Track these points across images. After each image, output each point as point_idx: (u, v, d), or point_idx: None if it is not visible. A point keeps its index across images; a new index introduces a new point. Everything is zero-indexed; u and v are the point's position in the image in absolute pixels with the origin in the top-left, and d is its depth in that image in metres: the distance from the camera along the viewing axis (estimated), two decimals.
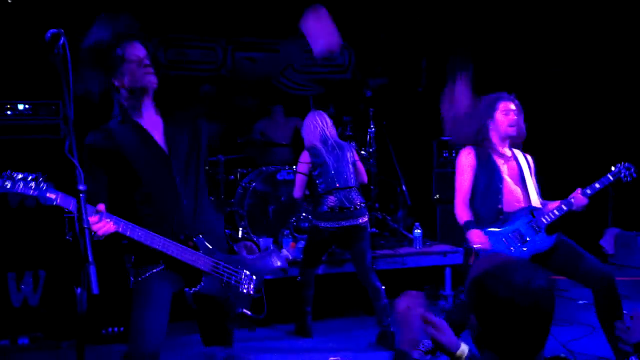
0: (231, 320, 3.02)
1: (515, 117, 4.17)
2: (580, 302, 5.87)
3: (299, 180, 5.02)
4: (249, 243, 5.60)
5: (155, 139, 2.91)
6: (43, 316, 4.91)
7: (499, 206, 4.14)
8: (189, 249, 2.86)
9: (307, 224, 5.93)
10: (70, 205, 2.55)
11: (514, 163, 4.20)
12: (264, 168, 6.12)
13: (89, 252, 2.23)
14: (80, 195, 2.37)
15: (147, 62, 2.87)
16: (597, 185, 4.11)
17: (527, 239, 4.11)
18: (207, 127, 3.14)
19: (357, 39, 7.84)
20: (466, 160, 4.18)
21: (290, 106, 7.13)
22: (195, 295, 2.89)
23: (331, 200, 4.88)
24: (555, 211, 4.10)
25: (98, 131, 2.90)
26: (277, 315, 5.55)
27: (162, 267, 2.85)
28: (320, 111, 5.23)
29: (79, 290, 2.20)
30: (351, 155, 5.09)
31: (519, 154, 4.27)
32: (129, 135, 2.87)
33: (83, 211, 2.29)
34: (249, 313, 3.05)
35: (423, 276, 6.18)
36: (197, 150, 3.03)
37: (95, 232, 2.59)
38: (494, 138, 4.18)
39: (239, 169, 6.31)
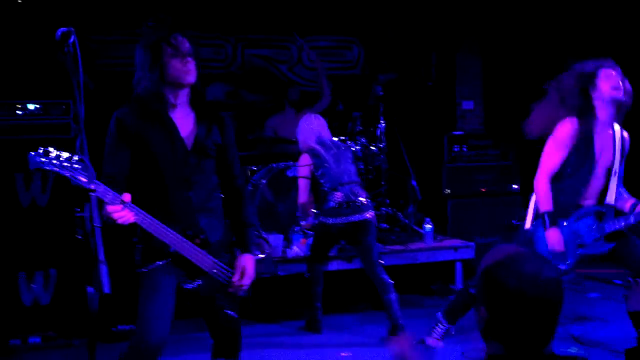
0: (217, 319, 3.05)
1: (616, 80, 3.86)
2: (592, 295, 5.85)
3: (303, 184, 5.04)
4: (258, 240, 5.62)
5: (180, 134, 2.91)
6: (54, 315, 4.93)
7: (579, 202, 3.96)
8: (196, 247, 2.88)
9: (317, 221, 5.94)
10: (99, 190, 2.54)
11: (610, 148, 3.93)
12: (274, 165, 6.11)
13: (100, 252, 2.25)
14: (91, 194, 2.40)
15: (189, 58, 2.86)
16: None
17: (585, 243, 3.96)
18: (232, 123, 3.13)
19: (366, 34, 7.83)
20: (567, 133, 3.88)
21: (302, 103, 7.11)
22: (191, 292, 2.93)
23: (338, 196, 4.89)
24: (622, 222, 3.88)
25: (130, 105, 2.90)
26: (287, 312, 5.57)
27: (169, 259, 2.86)
28: (316, 114, 5.29)
29: (90, 289, 2.21)
30: (350, 153, 5.18)
31: (618, 131, 3.97)
32: (157, 124, 2.87)
33: (94, 210, 2.31)
34: (235, 315, 3.07)
35: (434, 271, 6.17)
36: (224, 150, 3.04)
37: (114, 220, 2.60)
38: (599, 109, 3.89)
39: (249, 166, 6.31)
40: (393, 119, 6.67)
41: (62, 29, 2.48)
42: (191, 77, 2.87)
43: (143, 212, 2.69)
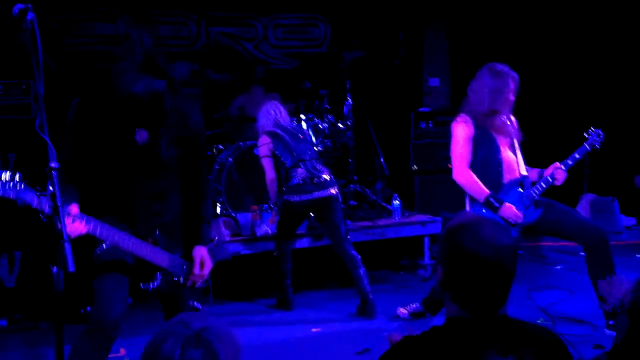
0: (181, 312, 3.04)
1: (514, 93, 4.17)
2: (558, 267, 5.96)
3: (266, 163, 5.10)
4: (227, 219, 5.62)
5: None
6: (20, 297, 4.87)
7: (501, 180, 4.18)
8: (150, 244, 2.88)
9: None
10: (46, 207, 2.51)
11: (509, 127, 4.24)
12: (241, 143, 6.07)
13: (64, 230, 2.22)
14: (53, 172, 2.35)
15: None
16: (577, 156, 4.16)
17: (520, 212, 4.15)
18: (198, 116, 3.09)
19: (333, 12, 7.78)
20: (462, 124, 4.19)
21: (268, 81, 7.07)
22: (154, 292, 2.94)
23: (300, 172, 4.93)
24: (542, 184, 4.16)
25: (87, 95, 2.86)
26: (258, 290, 5.58)
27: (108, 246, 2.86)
28: (275, 101, 5.35)
29: (55, 269, 2.19)
30: (309, 135, 5.32)
31: (507, 116, 4.29)
32: (111, 115, 2.82)
33: (57, 189, 2.27)
34: (199, 306, 3.08)
35: (402, 246, 6.23)
36: (184, 142, 2.98)
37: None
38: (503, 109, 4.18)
39: (216, 145, 6.27)
40: (360, 97, 6.67)
41: (19, 5, 2.41)
42: None
43: (93, 219, 2.68)
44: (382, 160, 6.69)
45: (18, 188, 2.46)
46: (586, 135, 4.24)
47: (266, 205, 5.69)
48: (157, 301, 3.13)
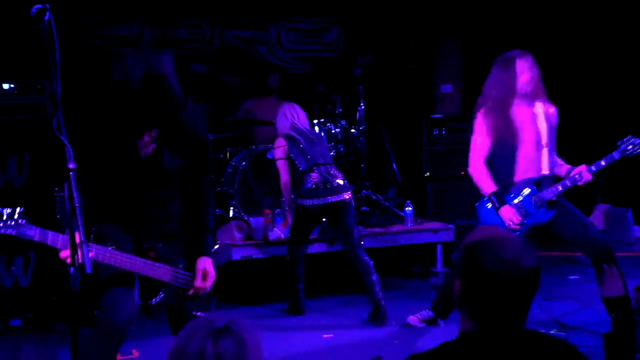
0: (185, 322, 3.02)
1: (529, 73, 4.10)
2: (571, 277, 5.90)
3: (281, 165, 5.08)
4: (240, 222, 5.60)
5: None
6: (34, 298, 4.88)
7: (512, 178, 4.15)
8: (152, 262, 2.86)
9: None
10: (48, 239, 2.55)
11: (532, 123, 4.15)
12: (253, 147, 6.07)
13: (81, 231, 2.21)
14: (70, 173, 2.34)
15: None
16: (603, 163, 4.07)
17: (529, 212, 4.13)
18: (202, 126, 3.09)
19: (346, 16, 7.77)
20: (482, 117, 4.17)
21: (282, 86, 7.05)
22: (157, 306, 2.94)
23: (314, 176, 4.91)
24: (559, 187, 4.10)
25: (90, 101, 2.88)
26: (270, 294, 5.56)
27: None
28: (293, 103, 5.30)
29: (72, 270, 2.18)
30: (325, 141, 5.27)
31: (541, 107, 4.21)
32: (113, 124, 2.83)
33: (74, 190, 2.26)
34: (202, 314, 3.04)
35: (414, 253, 6.19)
36: (187, 152, 2.98)
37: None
38: (525, 89, 4.11)
39: (229, 148, 6.26)
40: (373, 102, 6.65)
41: (37, 5, 2.41)
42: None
43: (95, 246, 2.68)
44: (394, 166, 6.67)
45: (19, 224, 2.45)
46: (619, 143, 4.09)
47: (279, 210, 5.68)
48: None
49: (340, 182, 4.95)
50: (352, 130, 6.25)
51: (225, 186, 5.94)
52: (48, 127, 2.52)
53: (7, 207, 2.45)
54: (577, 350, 1.80)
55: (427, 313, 4.70)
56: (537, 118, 4.19)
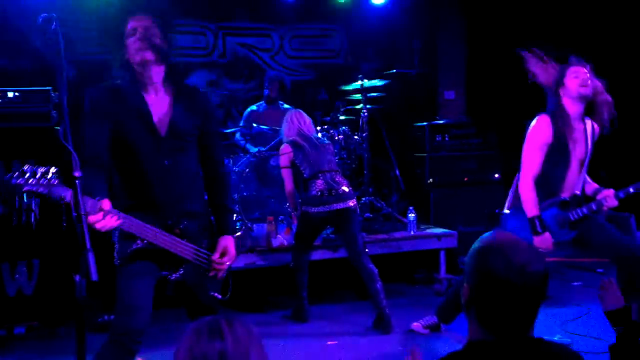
0: (201, 304, 3.07)
1: (587, 77, 3.99)
2: (575, 284, 5.90)
3: (286, 174, 5.09)
4: (243, 229, 5.61)
5: (152, 119, 2.88)
6: (38, 305, 4.89)
7: (561, 196, 4.09)
8: (176, 237, 2.88)
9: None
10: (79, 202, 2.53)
11: (583, 142, 4.07)
12: (257, 153, 6.08)
13: (87, 239, 2.22)
14: (76, 182, 2.36)
15: (139, 35, 2.82)
16: (631, 190, 4.01)
17: (552, 231, 4.08)
18: (215, 111, 3.14)
19: (349, 23, 7.80)
20: (541, 134, 4.02)
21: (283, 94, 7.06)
22: (176, 282, 2.94)
23: (319, 183, 4.90)
24: (585, 210, 4.06)
25: (103, 88, 2.89)
26: (273, 301, 5.56)
27: (145, 243, 2.84)
28: (299, 110, 5.30)
29: (77, 277, 2.18)
30: (330, 147, 5.20)
31: (589, 124, 4.12)
32: (130, 108, 2.86)
33: (80, 198, 2.27)
34: (219, 296, 3.12)
35: (418, 260, 6.19)
36: (204, 134, 3.03)
37: (98, 230, 2.60)
38: (569, 106, 4.01)
39: (232, 155, 6.27)
40: (375, 108, 6.66)
41: (43, 14, 2.42)
42: (141, 56, 2.82)
43: (122, 214, 2.68)
44: (397, 172, 6.67)
45: (51, 183, 2.44)
46: None
47: (282, 217, 5.68)
48: (172, 313, 3.13)
49: (346, 189, 4.94)
50: (355, 137, 6.26)
51: None
52: (53, 135, 2.54)
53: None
54: (582, 357, 1.80)
55: (430, 319, 4.70)
56: (586, 135, 4.11)
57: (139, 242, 2.83)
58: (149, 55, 2.82)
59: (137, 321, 2.80)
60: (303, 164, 4.98)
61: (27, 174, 2.41)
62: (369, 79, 6.41)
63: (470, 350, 1.77)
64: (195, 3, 7.00)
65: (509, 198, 4.29)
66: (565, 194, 4.12)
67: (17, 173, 2.40)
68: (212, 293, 3.08)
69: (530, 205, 4.04)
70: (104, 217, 2.58)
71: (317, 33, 7.81)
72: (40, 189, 2.43)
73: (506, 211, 4.29)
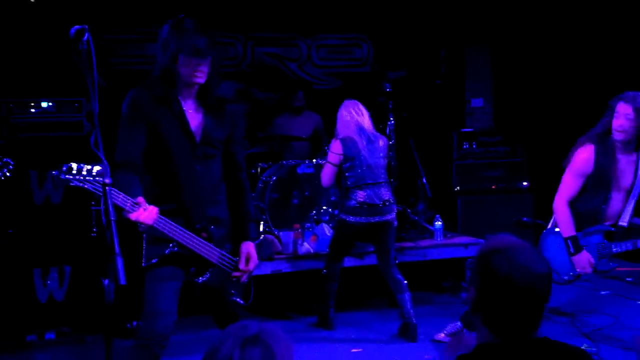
0: (226, 306, 3.15)
1: (623, 122, 3.96)
2: (603, 292, 5.83)
3: (329, 170, 4.90)
4: (270, 236, 5.67)
5: (190, 125, 3.00)
6: (68, 311, 4.99)
7: (607, 225, 4.08)
8: (204, 241, 2.97)
9: (327, 217, 5.95)
10: (119, 200, 2.63)
11: (631, 172, 4.05)
12: (284, 162, 6.14)
13: (116, 244, 2.28)
14: (107, 188, 2.42)
15: (202, 61, 2.94)
16: None
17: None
18: (241, 117, 3.24)
19: (375, 32, 7.84)
20: (584, 160, 4.05)
21: (311, 101, 7.13)
22: (203, 285, 3.02)
23: (360, 195, 4.80)
24: (629, 245, 4.03)
25: (145, 87, 2.97)
26: (299, 308, 5.59)
27: (174, 249, 2.92)
28: (356, 100, 5.04)
29: (106, 281, 2.24)
30: (384, 149, 4.98)
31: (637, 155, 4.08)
32: (169, 113, 2.96)
33: (109, 203, 2.34)
34: (241, 301, 3.19)
35: (444, 268, 6.17)
36: (230, 143, 3.14)
37: (142, 223, 2.69)
38: (617, 136, 4.00)
39: (260, 163, 6.34)
40: (403, 116, 6.68)
41: (76, 26, 2.49)
42: (201, 79, 2.97)
43: (160, 216, 2.77)
44: (424, 180, 6.67)
45: (96, 180, 2.51)
46: None
47: (309, 224, 5.72)
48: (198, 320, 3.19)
49: (387, 202, 4.84)
50: None
51: (256, 201, 6.01)
52: (85, 144, 2.62)
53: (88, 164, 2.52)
54: (589, 354, 1.82)
55: (454, 326, 4.67)
56: (637, 166, 4.09)
57: (170, 246, 2.90)
58: (202, 80, 2.97)
59: (162, 326, 2.87)
60: (350, 172, 4.82)
61: (74, 170, 2.49)
62: (396, 87, 6.43)
63: (479, 353, 1.79)
64: (224, 14, 7.10)
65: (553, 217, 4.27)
66: (609, 222, 4.10)
67: (65, 168, 2.49)
68: (234, 298, 3.15)
69: (564, 226, 4.09)
70: (145, 210, 2.68)
71: (344, 42, 7.86)
72: (87, 185, 2.50)
73: (549, 227, 4.30)
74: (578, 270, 4.03)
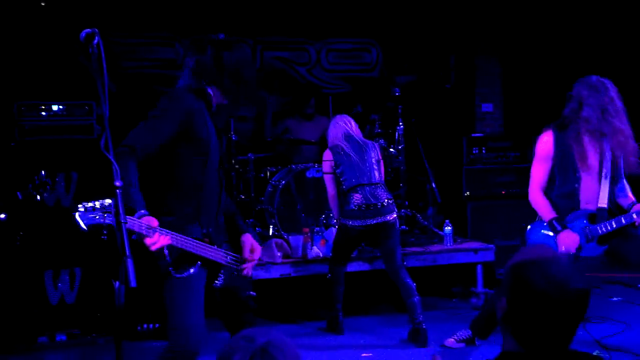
0: (242, 305, 3.17)
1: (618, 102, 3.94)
2: (614, 299, 5.80)
3: (328, 180, 5.06)
4: (279, 240, 5.67)
5: (217, 135, 3.11)
6: (79, 313, 5.01)
7: (588, 209, 4.03)
8: (209, 245, 2.98)
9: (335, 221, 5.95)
10: (135, 227, 2.64)
11: (595, 155, 4.00)
12: (293, 166, 6.14)
13: (126, 246, 2.28)
14: (117, 191, 2.43)
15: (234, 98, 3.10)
16: None
17: (580, 245, 4.00)
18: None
19: (385, 36, 7.84)
20: (544, 146, 4.06)
21: (320, 105, 7.14)
22: (221, 288, 3.04)
23: (357, 197, 4.85)
24: (613, 223, 3.97)
25: (193, 99, 3.02)
26: (308, 312, 5.59)
27: (200, 264, 2.94)
28: (345, 114, 5.27)
29: (117, 284, 2.24)
30: (375, 154, 5.08)
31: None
32: (207, 122, 3.04)
33: (120, 206, 2.34)
34: (254, 294, 3.22)
35: (454, 273, 6.15)
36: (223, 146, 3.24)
37: (149, 247, 2.70)
38: (582, 122, 3.96)
39: (269, 167, 6.34)
40: (412, 121, 6.67)
41: (86, 30, 2.50)
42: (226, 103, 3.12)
43: (165, 230, 2.76)
44: (433, 185, 6.65)
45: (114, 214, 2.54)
46: None
47: (318, 228, 5.72)
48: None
49: (385, 203, 4.87)
50: (391, 150, 6.28)
51: (265, 205, 6.01)
52: (95, 147, 2.62)
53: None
54: None
55: (464, 332, 4.65)
56: (601, 148, 4.04)
57: (193, 266, 2.93)
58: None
59: (191, 344, 2.86)
60: (344, 175, 4.92)
61: (98, 208, 2.57)
62: (405, 92, 6.42)
63: None
64: (234, 18, 7.13)
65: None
66: (589, 206, 4.05)
67: (84, 209, 2.57)
68: (248, 293, 3.19)
69: (544, 210, 4.05)
70: (159, 236, 2.70)
71: (353, 47, 7.86)
72: (113, 221, 2.50)
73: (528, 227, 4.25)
74: (563, 249, 3.92)
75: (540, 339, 1.70)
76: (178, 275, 2.93)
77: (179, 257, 2.94)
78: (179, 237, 2.83)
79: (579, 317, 1.70)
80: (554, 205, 4.06)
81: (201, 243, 2.93)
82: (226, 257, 3.07)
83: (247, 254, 3.14)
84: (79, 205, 2.54)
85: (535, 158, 4.14)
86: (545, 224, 4.08)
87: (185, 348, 2.86)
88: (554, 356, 1.72)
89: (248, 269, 3.17)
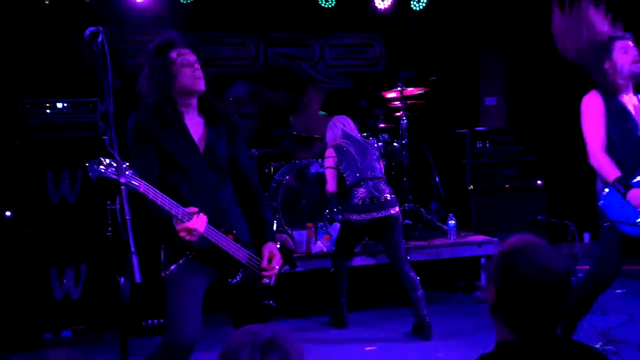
0: (259, 312, 3.12)
1: (637, 54, 3.83)
2: (618, 291, 5.80)
3: (330, 174, 5.07)
4: (283, 236, 5.69)
5: (193, 138, 3.00)
6: (84, 310, 5.04)
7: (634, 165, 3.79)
8: (232, 241, 2.97)
9: (340, 216, 5.97)
10: (150, 193, 2.63)
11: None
12: (297, 162, 6.16)
13: (131, 242, 2.31)
14: (122, 187, 2.45)
15: (197, 66, 2.97)
16: None
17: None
18: (241, 124, 3.23)
19: (388, 31, 7.84)
20: (595, 109, 3.85)
21: (325, 101, 7.15)
22: (236, 286, 3.01)
23: (361, 192, 4.90)
24: None
25: (143, 111, 2.98)
26: (312, 307, 5.61)
27: (190, 256, 2.93)
28: (343, 115, 5.33)
29: (122, 280, 2.27)
30: (376, 151, 5.17)
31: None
32: (172, 131, 2.96)
33: (125, 203, 2.36)
34: (274, 304, 3.18)
35: (458, 267, 6.17)
36: (235, 151, 3.14)
37: (195, 231, 2.72)
38: (619, 81, 3.85)
39: (273, 163, 6.37)
40: (415, 115, 6.68)
41: (90, 28, 2.52)
42: (201, 85, 2.98)
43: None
44: (437, 179, 6.67)
45: (127, 175, 2.51)
46: None
47: (322, 223, 5.74)
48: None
49: (388, 197, 4.92)
50: (395, 144, 6.29)
51: (269, 200, 6.04)
52: (100, 144, 2.64)
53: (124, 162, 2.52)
54: (607, 357, 1.82)
55: None
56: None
57: (186, 253, 2.91)
58: (203, 86, 2.99)
59: (184, 337, 2.84)
60: (347, 171, 4.97)
61: (105, 162, 2.50)
62: (408, 86, 6.43)
63: (500, 352, 1.79)
64: (237, 15, 7.14)
65: (597, 187, 3.97)
66: None
67: (97, 160, 2.50)
68: (267, 302, 3.13)
69: (607, 170, 3.78)
70: (199, 218, 2.73)
71: (357, 42, 7.87)
72: (122, 179, 2.48)
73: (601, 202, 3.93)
74: (638, 206, 3.68)
75: (531, 322, 1.77)
76: (163, 274, 2.96)
77: (167, 255, 2.97)
78: (210, 228, 2.83)
79: (564, 298, 1.78)
80: (619, 163, 3.81)
81: (222, 235, 2.92)
82: (249, 258, 3.04)
83: (264, 263, 3.07)
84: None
85: (585, 121, 3.89)
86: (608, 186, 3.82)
87: (174, 342, 2.84)
88: (547, 342, 1.78)
89: (268, 277, 3.10)
